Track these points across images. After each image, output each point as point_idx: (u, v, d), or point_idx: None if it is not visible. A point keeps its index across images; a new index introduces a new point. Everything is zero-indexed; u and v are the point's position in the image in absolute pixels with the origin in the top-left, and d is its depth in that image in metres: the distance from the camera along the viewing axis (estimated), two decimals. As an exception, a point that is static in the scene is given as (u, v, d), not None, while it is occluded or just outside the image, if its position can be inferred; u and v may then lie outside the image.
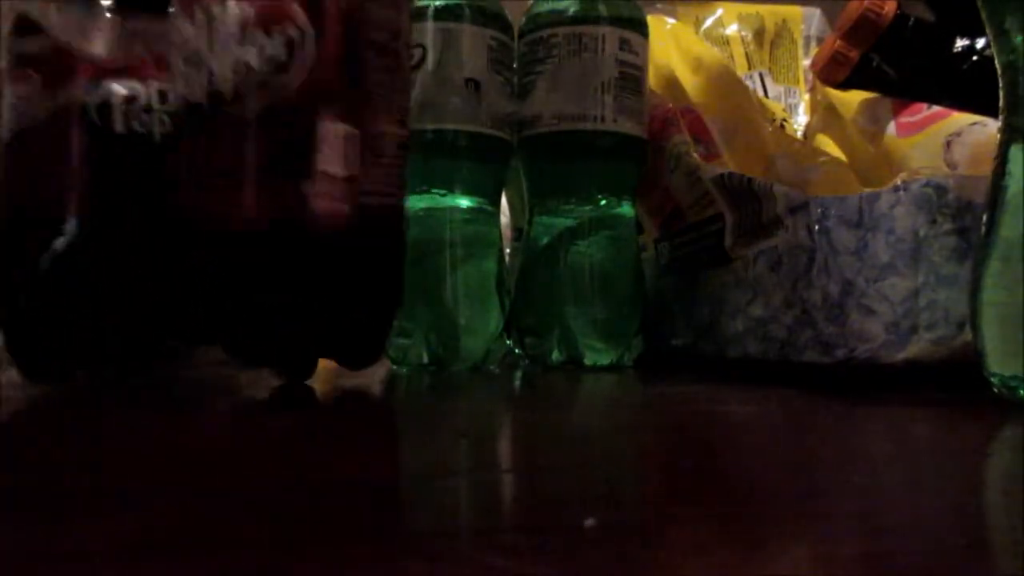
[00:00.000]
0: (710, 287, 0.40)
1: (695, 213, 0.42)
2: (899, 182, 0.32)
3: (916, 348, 0.30)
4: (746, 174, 0.38)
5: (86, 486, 0.16)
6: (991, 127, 0.42)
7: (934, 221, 0.31)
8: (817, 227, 0.33)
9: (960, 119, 0.45)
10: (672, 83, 0.49)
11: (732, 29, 0.63)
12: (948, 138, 0.45)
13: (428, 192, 0.42)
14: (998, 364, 0.26)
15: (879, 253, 0.31)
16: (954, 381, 0.29)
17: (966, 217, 0.30)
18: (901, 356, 0.31)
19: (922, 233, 0.31)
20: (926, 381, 0.31)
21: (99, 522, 0.13)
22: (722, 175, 0.39)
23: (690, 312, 0.42)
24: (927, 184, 0.31)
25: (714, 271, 0.40)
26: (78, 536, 0.12)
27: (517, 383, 0.39)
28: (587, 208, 0.43)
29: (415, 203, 0.41)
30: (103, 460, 0.18)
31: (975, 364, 0.27)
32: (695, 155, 0.42)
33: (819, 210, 0.33)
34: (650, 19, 0.46)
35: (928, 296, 0.30)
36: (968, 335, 0.28)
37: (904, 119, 0.48)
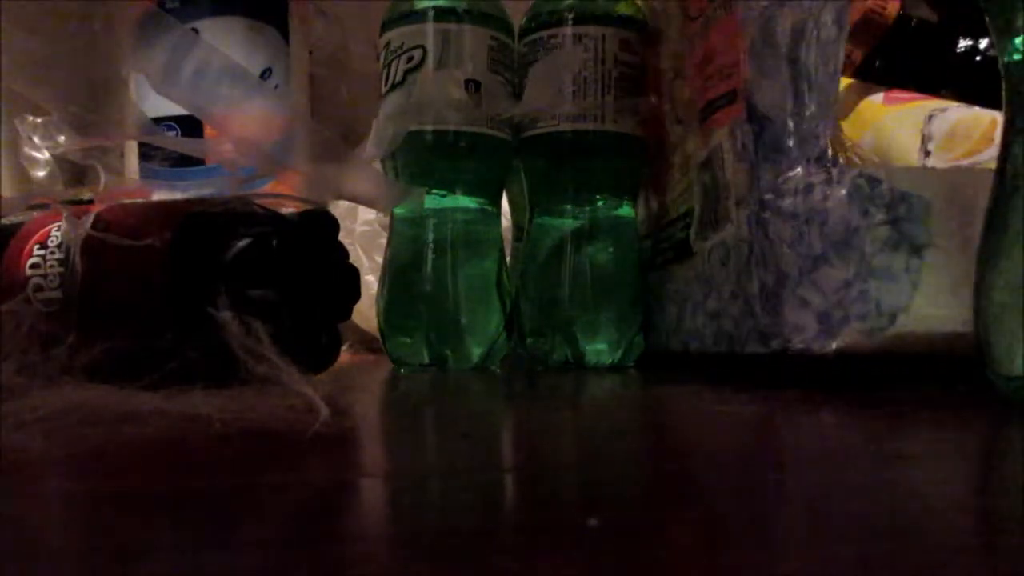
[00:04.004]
0: (676, 283, 0.40)
1: (676, 208, 0.42)
2: (833, 172, 0.32)
3: (846, 338, 0.30)
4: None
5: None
6: (978, 108, 0.42)
7: (867, 212, 0.31)
8: (756, 220, 0.33)
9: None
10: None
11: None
12: (932, 112, 0.45)
13: (429, 193, 0.42)
14: (1002, 365, 0.26)
15: (813, 244, 0.31)
16: (957, 381, 0.29)
17: (899, 208, 0.31)
18: (832, 347, 0.30)
19: (854, 224, 0.31)
20: (929, 381, 0.31)
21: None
22: (710, 157, 0.38)
23: (662, 309, 0.42)
24: (859, 175, 0.31)
25: (679, 266, 0.40)
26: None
27: (518, 383, 0.39)
28: (587, 208, 0.43)
29: (416, 203, 0.41)
30: None
31: (905, 357, 0.27)
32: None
33: (758, 202, 0.33)
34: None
35: (859, 287, 0.30)
36: (901, 327, 0.29)
37: (895, 93, 0.48)
